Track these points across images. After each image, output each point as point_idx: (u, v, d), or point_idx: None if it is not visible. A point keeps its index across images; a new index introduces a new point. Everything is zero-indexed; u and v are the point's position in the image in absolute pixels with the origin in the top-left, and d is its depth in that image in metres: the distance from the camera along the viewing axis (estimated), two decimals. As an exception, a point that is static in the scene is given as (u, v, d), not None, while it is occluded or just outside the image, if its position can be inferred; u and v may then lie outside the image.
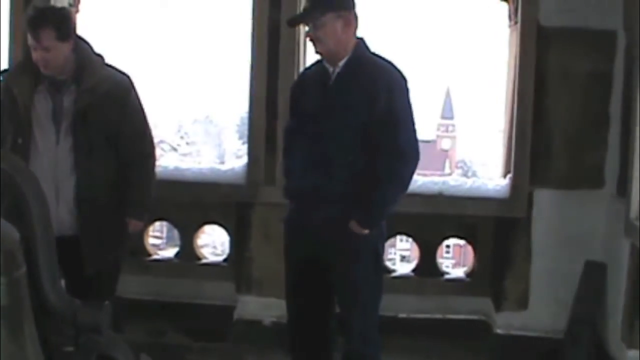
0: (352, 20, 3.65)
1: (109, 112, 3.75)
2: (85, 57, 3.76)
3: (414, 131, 3.68)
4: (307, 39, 3.74)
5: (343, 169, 3.62)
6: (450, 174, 29.26)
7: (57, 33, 3.61)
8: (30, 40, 3.63)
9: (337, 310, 3.91)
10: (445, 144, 38.80)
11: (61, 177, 3.68)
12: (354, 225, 3.62)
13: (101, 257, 3.80)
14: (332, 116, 3.62)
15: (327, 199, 3.64)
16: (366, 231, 3.64)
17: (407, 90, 3.67)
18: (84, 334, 2.28)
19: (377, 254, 3.83)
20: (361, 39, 3.72)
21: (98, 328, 2.24)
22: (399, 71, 3.69)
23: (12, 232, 2.27)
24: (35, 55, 3.63)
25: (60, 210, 3.67)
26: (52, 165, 3.67)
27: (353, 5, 3.68)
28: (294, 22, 3.95)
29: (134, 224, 4.01)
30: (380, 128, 3.57)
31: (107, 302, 2.35)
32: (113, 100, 3.77)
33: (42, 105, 3.70)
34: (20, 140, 3.66)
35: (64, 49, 3.67)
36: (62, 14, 3.77)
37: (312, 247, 3.72)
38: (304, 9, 3.71)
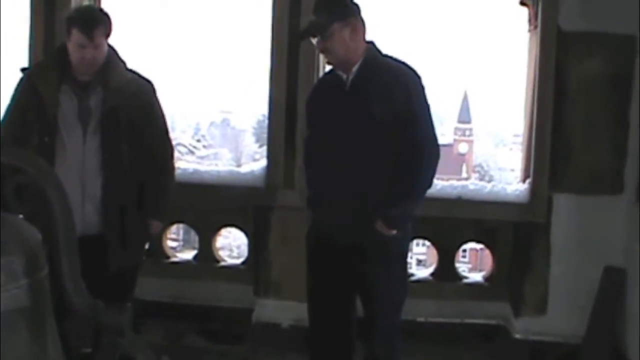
0: (358, 25, 3.65)
1: (135, 114, 3.79)
2: (111, 59, 3.80)
3: (433, 128, 3.69)
4: (318, 50, 3.73)
5: (365, 173, 3.62)
6: (467, 178, 29.15)
7: (105, 30, 3.71)
8: (79, 39, 3.65)
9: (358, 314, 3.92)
10: (462, 148, 38.56)
11: (88, 177, 3.71)
12: (380, 226, 3.61)
13: (125, 257, 3.83)
14: (351, 122, 3.62)
15: (351, 204, 3.64)
16: (393, 232, 3.64)
17: (422, 87, 3.67)
18: (106, 335, 2.29)
19: (403, 256, 3.84)
20: (371, 42, 3.73)
21: (120, 329, 2.25)
22: (412, 70, 3.69)
23: (34, 234, 2.30)
24: (84, 54, 3.66)
25: (86, 210, 3.70)
26: (79, 165, 3.70)
27: (358, 11, 3.69)
28: (302, 37, 3.94)
29: (155, 225, 4.05)
30: (399, 128, 3.57)
31: (128, 304, 2.36)
32: (139, 103, 3.82)
33: (67, 105, 3.72)
34: (46, 139, 3.68)
35: (106, 47, 3.74)
36: (105, 12, 3.85)
37: (337, 252, 3.72)
38: (310, 22, 3.69)
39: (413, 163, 3.60)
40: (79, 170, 3.70)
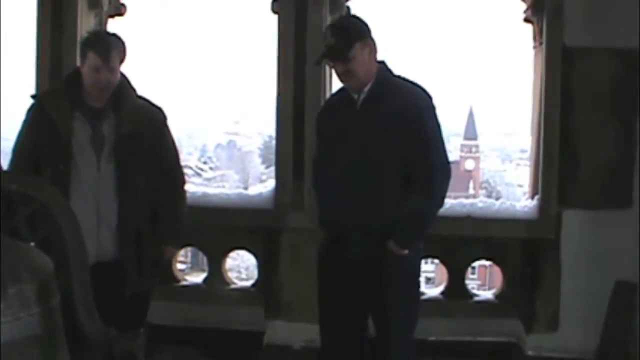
0: (373, 46, 3.66)
1: (148, 141, 3.80)
2: (122, 85, 3.82)
3: (444, 148, 3.71)
4: (336, 73, 3.69)
5: (376, 193, 3.62)
6: (474, 195, 29.10)
7: (119, 54, 3.75)
8: (94, 62, 3.68)
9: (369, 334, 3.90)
10: (469, 164, 38.53)
11: (103, 203, 3.72)
12: (392, 246, 3.61)
13: (140, 282, 3.84)
14: (362, 142, 3.62)
15: (362, 224, 3.64)
16: (405, 252, 3.63)
17: (434, 108, 3.68)
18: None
19: (416, 274, 3.85)
20: (383, 62, 3.73)
21: (133, 356, 2.25)
22: (423, 90, 3.70)
23: (46, 262, 2.29)
24: (99, 77, 3.68)
25: (102, 236, 3.71)
26: (94, 191, 3.71)
27: (370, 30, 3.69)
28: (322, 61, 3.84)
29: (169, 252, 4.08)
30: (411, 149, 3.57)
31: (141, 330, 2.35)
32: (152, 130, 3.84)
33: (81, 132, 3.73)
34: (61, 167, 3.69)
35: (119, 73, 3.77)
36: (119, 37, 3.88)
37: (349, 271, 3.71)
38: (329, 46, 3.62)
39: (425, 184, 3.60)
40: (93, 196, 3.71)
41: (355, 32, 3.61)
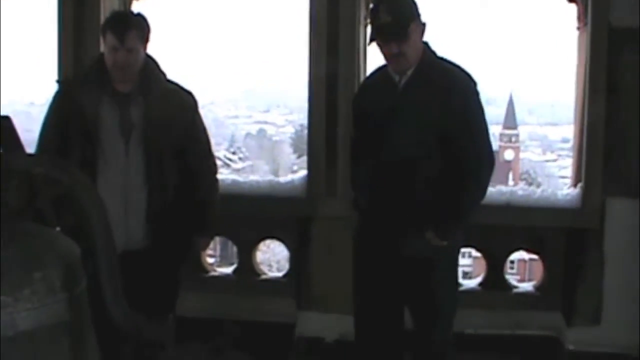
0: (423, 26, 3.53)
1: (178, 126, 3.72)
2: (151, 69, 3.74)
3: (488, 136, 3.59)
4: (385, 54, 3.51)
5: (416, 179, 3.50)
6: (514, 187, 28.83)
7: (140, 34, 3.65)
8: (111, 42, 3.61)
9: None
10: (508, 154, 38.01)
11: (131, 191, 3.63)
12: (431, 237, 3.48)
13: (168, 271, 3.75)
14: (403, 125, 3.50)
15: (400, 211, 3.52)
16: (444, 242, 3.50)
17: (478, 94, 3.56)
18: (148, 349, 2.21)
19: (455, 266, 3.75)
20: (426, 44, 3.60)
21: (162, 342, 2.18)
22: (468, 75, 3.57)
23: (72, 247, 2.24)
24: (116, 57, 3.60)
25: (130, 224, 3.63)
26: (122, 178, 3.62)
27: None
28: (379, 38, 3.51)
29: (203, 243, 4.03)
30: (455, 134, 3.45)
31: (170, 316, 2.26)
32: (181, 115, 3.76)
33: (108, 117, 3.65)
34: (88, 153, 3.61)
35: (142, 53, 3.67)
36: (143, 17, 3.79)
37: (386, 261, 3.60)
38: (385, 24, 3.42)
39: (470, 174, 3.49)
40: (121, 184, 3.62)
41: (410, 10, 3.47)
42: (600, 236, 4.84)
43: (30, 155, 2.57)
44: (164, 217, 3.69)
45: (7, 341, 1.97)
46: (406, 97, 3.51)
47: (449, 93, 3.45)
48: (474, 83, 3.55)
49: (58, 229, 2.41)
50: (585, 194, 4.84)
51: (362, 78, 4.83)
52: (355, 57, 4.90)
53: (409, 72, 3.51)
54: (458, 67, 3.58)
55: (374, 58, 3.72)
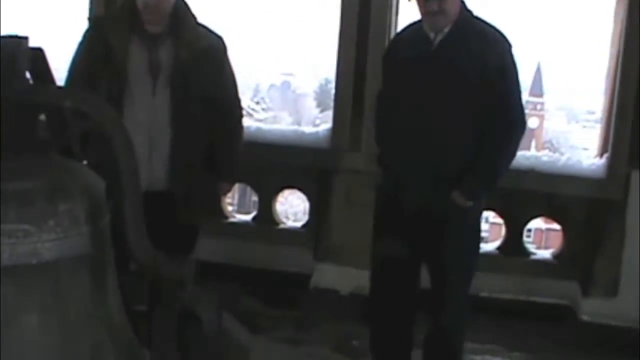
0: None
1: (207, 70, 3.67)
2: (182, 12, 3.68)
3: (521, 99, 3.55)
4: (424, 11, 3.45)
5: (446, 139, 3.46)
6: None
7: None
8: None
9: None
10: (532, 122, 37.41)
11: (156, 132, 3.60)
12: (456, 197, 3.46)
13: (191, 213, 3.74)
14: (434, 84, 3.45)
15: (426, 172, 3.50)
16: (470, 203, 3.48)
17: (513, 55, 3.51)
18: (167, 287, 2.22)
19: (477, 228, 3.72)
20: (463, 3, 3.53)
21: (181, 282, 2.19)
22: (505, 37, 3.51)
23: (97, 182, 2.25)
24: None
25: (153, 165, 3.60)
26: (147, 119, 3.59)
27: None
28: None
29: (226, 188, 4.01)
30: (490, 99, 3.40)
31: (192, 256, 2.27)
32: (211, 59, 3.70)
33: (137, 57, 3.60)
34: (115, 91, 3.57)
35: None
36: None
37: (407, 217, 3.58)
38: None
39: (501, 137, 3.45)
40: (147, 124, 3.59)
41: None
42: (623, 208, 4.80)
43: (60, 88, 2.57)
44: (188, 159, 3.69)
45: (30, 270, 1.98)
46: (440, 56, 3.46)
47: (485, 54, 3.40)
48: (509, 44, 3.49)
49: (85, 162, 2.41)
50: (611, 165, 4.80)
51: (392, 34, 4.77)
52: (387, 12, 4.84)
53: (445, 30, 3.46)
54: (494, 27, 3.52)
55: (406, 14, 3.64)
